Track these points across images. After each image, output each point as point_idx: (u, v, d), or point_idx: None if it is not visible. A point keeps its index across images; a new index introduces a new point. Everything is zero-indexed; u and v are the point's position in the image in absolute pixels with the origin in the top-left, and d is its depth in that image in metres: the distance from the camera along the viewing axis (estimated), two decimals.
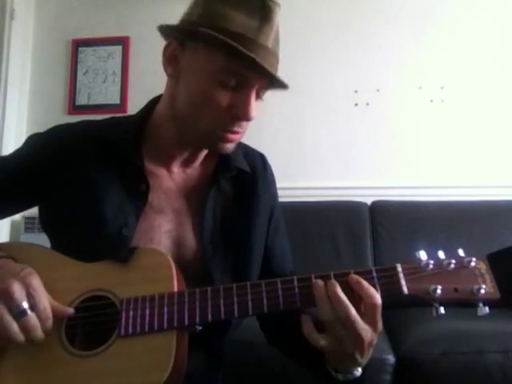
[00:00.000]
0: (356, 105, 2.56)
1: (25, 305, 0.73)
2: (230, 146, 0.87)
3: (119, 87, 2.74)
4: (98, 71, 2.78)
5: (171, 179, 0.93)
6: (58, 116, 2.75)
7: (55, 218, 0.92)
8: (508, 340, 1.36)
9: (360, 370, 0.80)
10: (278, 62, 0.86)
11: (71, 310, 0.79)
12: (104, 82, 2.77)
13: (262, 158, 1.03)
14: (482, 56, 2.48)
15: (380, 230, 2.10)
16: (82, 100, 2.77)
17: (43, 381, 0.77)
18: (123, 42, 2.69)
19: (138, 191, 0.88)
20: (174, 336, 0.76)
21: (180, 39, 0.84)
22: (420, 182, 2.46)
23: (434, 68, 2.51)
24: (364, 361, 0.78)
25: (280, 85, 0.87)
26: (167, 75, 0.88)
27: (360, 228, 2.11)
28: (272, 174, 1.04)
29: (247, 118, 0.83)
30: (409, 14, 2.56)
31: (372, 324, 0.73)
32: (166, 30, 0.87)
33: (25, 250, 0.89)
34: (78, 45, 2.80)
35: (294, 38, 2.62)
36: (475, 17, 2.51)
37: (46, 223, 0.94)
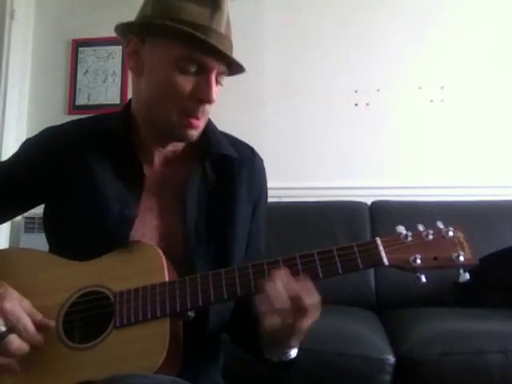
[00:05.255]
0: (356, 105, 2.56)
1: (2, 328, 0.74)
2: (193, 133, 0.90)
3: (119, 87, 2.74)
4: (98, 71, 2.78)
5: (156, 175, 0.96)
6: (58, 116, 2.75)
7: (57, 215, 0.94)
8: (508, 340, 1.36)
9: (295, 350, 0.84)
10: (232, 47, 0.88)
11: (51, 323, 0.80)
12: (104, 82, 2.77)
13: (251, 149, 1.05)
14: (482, 56, 2.48)
15: (380, 230, 2.10)
16: (81, 100, 2.77)
17: (42, 375, 0.79)
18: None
19: (135, 179, 0.92)
20: (168, 323, 0.78)
21: (139, 34, 0.89)
22: (420, 181, 2.46)
23: (434, 68, 2.51)
24: (297, 343, 0.82)
25: (237, 69, 0.90)
26: (130, 70, 0.92)
27: (360, 228, 2.11)
28: (261, 165, 1.04)
29: (209, 101, 0.87)
30: (409, 15, 2.56)
31: (310, 317, 0.75)
32: (124, 28, 0.91)
33: (17, 255, 0.93)
34: (78, 45, 2.80)
35: (294, 38, 2.63)
36: (475, 17, 2.51)
37: (49, 222, 0.96)
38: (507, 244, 1.89)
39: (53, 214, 0.95)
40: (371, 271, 2.02)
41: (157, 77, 0.87)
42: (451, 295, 1.81)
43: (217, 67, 0.86)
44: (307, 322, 0.75)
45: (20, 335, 0.76)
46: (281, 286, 0.74)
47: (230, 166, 0.98)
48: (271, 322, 0.74)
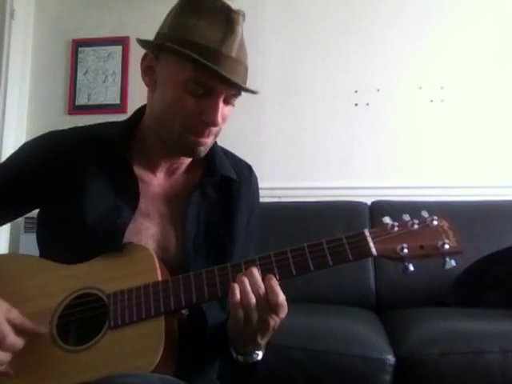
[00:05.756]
0: (356, 105, 2.56)
1: None
2: (202, 150, 0.91)
3: (119, 87, 2.74)
4: (98, 71, 2.78)
5: (157, 185, 0.97)
6: (57, 116, 2.76)
7: (52, 218, 0.94)
8: (508, 340, 1.36)
9: (260, 353, 0.88)
10: (245, 69, 0.89)
11: (43, 329, 0.81)
12: (104, 82, 2.77)
13: (249, 168, 1.08)
14: (482, 56, 2.48)
15: None
16: (81, 100, 2.77)
17: (37, 379, 0.79)
18: (123, 42, 2.70)
19: (130, 188, 0.92)
20: (163, 322, 0.79)
21: (154, 52, 0.91)
22: (420, 182, 2.46)
23: (434, 68, 2.51)
24: (264, 342, 0.85)
25: (248, 90, 0.91)
26: (145, 85, 0.94)
27: (360, 228, 2.09)
28: (256, 185, 1.08)
29: (214, 124, 0.88)
30: (409, 14, 2.56)
31: (277, 314, 0.79)
32: (142, 44, 0.94)
33: (10, 261, 0.94)
34: (78, 45, 2.80)
35: (294, 38, 2.63)
36: (475, 17, 2.51)
37: (43, 226, 0.97)
38: (507, 244, 1.89)
39: (47, 220, 0.95)
40: (371, 271, 2.02)
41: (167, 94, 0.89)
42: (451, 295, 1.81)
43: (225, 91, 0.87)
44: (273, 319, 0.79)
45: (0, 346, 0.77)
46: (247, 283, 0.78)
47: (230, 186, 1.00)
48: (237, 315, 0.79)
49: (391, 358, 1.37)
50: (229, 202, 0.99)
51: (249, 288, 0.78)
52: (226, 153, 1.05)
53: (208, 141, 0.91)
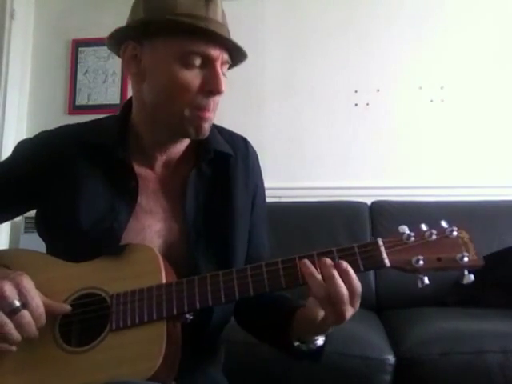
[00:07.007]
0: (356, 105, 2.56)
1: (17, 303, 0.75)
2: (206, 127, 0.89)
3: (119, 87, 2.74)
4: (98, 71, 2.78)
5: (156, 179, 0.95)
6: (58, 116, 2.76)
7: (49, 221, 0.93)
8: (508, 340, 1.36)
9: (322, 339, 0.85)
10: (230, 34, 0.88)
11: (67, 307, 0.81)
12: (104, 82, 2.77)
13: (245, 141, 1.04)
14: (482, 56, 2.48)
15: (380, 230, 2.10)
16: (81, 100, 2.77)
17: (38, 379, 0.78)
18: None
19: (128, 189, 0.90)
20: (164, 326, 0.77)
21: (136, 38, 0.88)
22: (420, 181, 2.46)
23: (434, 68, 2.51)
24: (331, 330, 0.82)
25: (239, 56, 0.89)
26: (131, 76, 0.91)
27: (360, 228, 2.11)
28: (255, 158, 1.04)
29: (219, 91, 0.86)
30: (409, 15, 2.56)
31: (353, 305, 0.76)
32: (119, 34, 0.90)
33: (16, 256, 0.91)
34: (78, 45, 2.80)
35: (295, 37, 2.63)
36: (475, 17, 2.51)
37: (41, 227, 0.96)
38: (507, 244, 1.89)
39: (43, 221, 0.95)
40: (371, 271, 2.02)
41: (162, 77, 0.85)
42: (451, 295, 1.81)
43: (220, 56, 0.85)
44: (348, 311, 0.76)
45: (31, 313, 0.77)
46: (319, 277, 0.75)
47: (226, 162, 0.97)
48: (315, 308, 0.77)
49: (391, 358, 1.37)
50: (226, 177, 0.96)
51: (322, 281, 0.75)
52: (220, 130, 1.02)
53: (211, 116, 0.89)
